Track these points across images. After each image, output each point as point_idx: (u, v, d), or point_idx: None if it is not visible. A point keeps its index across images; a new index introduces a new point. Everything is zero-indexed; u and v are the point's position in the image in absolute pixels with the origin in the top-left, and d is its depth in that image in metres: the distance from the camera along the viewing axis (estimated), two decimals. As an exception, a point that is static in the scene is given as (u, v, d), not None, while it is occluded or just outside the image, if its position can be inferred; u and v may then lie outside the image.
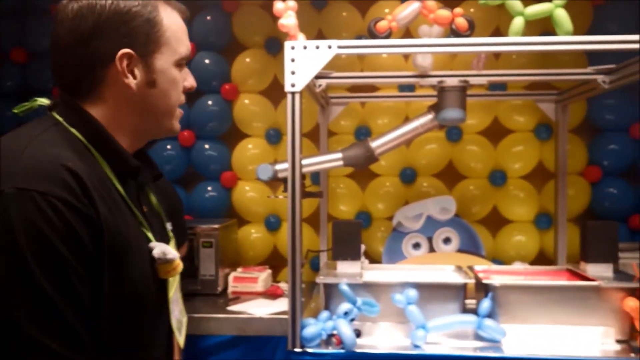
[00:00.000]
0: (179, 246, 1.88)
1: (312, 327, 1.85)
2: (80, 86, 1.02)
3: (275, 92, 2.95)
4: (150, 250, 1.03)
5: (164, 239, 1.12)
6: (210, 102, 2.99)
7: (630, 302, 1.81)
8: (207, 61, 2.98)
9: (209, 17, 2.96)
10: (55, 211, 0.85)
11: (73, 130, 0.99)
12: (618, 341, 1.86)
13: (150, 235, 1.05)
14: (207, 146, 3.01)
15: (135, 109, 1.04)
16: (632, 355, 1.77)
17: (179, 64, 1.08)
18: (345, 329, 1.81)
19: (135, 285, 0.97)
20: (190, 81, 1.13)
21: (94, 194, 0.90)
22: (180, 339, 1.13)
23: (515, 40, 1.82)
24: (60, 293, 0.85)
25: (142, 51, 1.02)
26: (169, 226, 1.20)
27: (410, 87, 2.83)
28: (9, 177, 0.86)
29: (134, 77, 1.02)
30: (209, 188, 3.02)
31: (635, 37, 1.76)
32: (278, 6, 1.89)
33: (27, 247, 0.83)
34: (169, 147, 3.01)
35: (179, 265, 1.08)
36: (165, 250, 1.04)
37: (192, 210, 3.02)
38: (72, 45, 0.99)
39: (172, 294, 1.09)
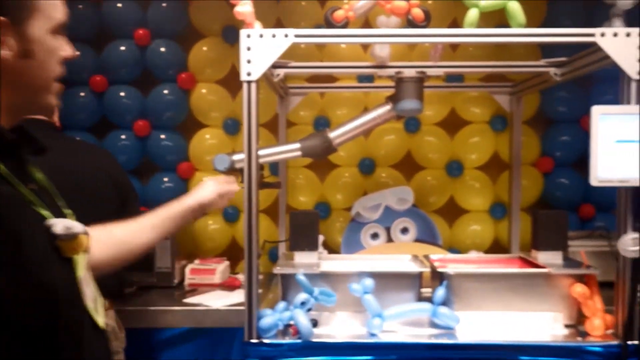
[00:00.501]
0: None
1: (269, 318, 1.84)
2: None
3: (233, 81, 2.91)
4: (48, 228, 0.94)
5: (60, 216, 1.02)
6: (166, 91, 2.93)
7: (578, 288, 1.87)
8: (162, 49, 2.92)
9: (164, 4, 2.90)
10: None
11: None
12: (566, 326, 1.91)
13: (45, 212, 0.96)
14: (163, 136, 2.96)
15: (9, 82, 0.94)
16: (579, 339, 1.83)
17: (55, 31, 1.00)
18: (302, 319, 1.80)
19: (34, 268, 0.89)
20: (68, 50, 1.04)
21: None
22: (99, 319, 1.05)
23: (471, 32, 1.84)
24: None
25: (14, 18, 0.92)
26: (63, 205, 1.10)
27: (369, 78, 2.84)
28: None
29: (8, 48, 0.92)
30: (165, 179, 2.96)
31: (586, 30, 1.80)
32: (234, -7, 1.86)
33: None
34: (123, 137, 2.94)
35: (84, 240, 1.00)
36: (69, 224, 0.96)
37: (147, 201, 2.95)
38: None
39: (82, 272, 1.00)
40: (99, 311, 1.07)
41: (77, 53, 1.06)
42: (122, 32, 2.93)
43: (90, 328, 1.02)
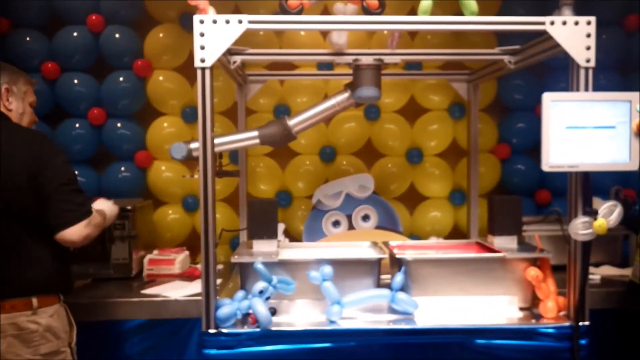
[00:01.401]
0: (61, 225, 1.71)
1: (227, 307, 1.82)
2: None
3: (191, 68, 2.76)
4: None
5: None
6: (121, 79, 2.86)
7: (532, 272, 1.91)
8: (117, 35, 2.85)
9: (118, -10, 2.82)
10: None
11: None
12: (521, 309, 1.96)
13: None
14: (119, 125, 2.89)
15: None
16: (533, 321, 1.88)
17: None
18: (260, 308, 1.80)
19: None
20: None
21: None
22: None
23: (426, 19, 1.85)
24: None
25: None
26: None
27: (329, 66, 2.83)
28: None
29: None
30: (122, 168, 2.90)
31: (537, 18, 1.83)
32: (187, -21, 1.82)
33: None
34: (77, 125, 2.86)
35: None
36: None
37: (103, 191, 2.89)
38: None
39: None
40: None
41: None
42: (74, 18, 2.84)
43: None
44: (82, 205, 1.77)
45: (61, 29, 2.85)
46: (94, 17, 2.82)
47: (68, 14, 2.84)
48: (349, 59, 2.20)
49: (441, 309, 1.94)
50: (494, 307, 1.95)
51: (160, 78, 2.89)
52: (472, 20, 1.86)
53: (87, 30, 2.84)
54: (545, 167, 1.76)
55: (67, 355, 1.82)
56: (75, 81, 2.85)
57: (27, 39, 2.82)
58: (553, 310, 1.90)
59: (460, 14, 1.91)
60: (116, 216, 2.10)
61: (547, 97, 1.75)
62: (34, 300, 1.74)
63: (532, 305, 1.97)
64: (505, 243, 2.08)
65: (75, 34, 2.83)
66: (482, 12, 1.91)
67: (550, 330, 1.85)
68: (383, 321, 1.88)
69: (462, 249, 2.26)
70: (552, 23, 1.80)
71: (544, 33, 1.84)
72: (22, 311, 1.73)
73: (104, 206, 2.00)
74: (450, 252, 2.19)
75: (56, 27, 2.85)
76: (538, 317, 1.91)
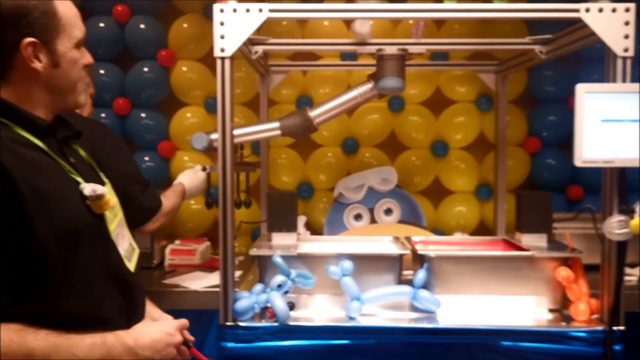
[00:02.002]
0: (152, 213, 1.96)
1: (245, 301, 1.80)
2: None
3: (214, 59, 2.82)
4: (81, 190, 1.20)
5: (99, 183, 1.28)
6: (146, 69, 2.86)
7: (562, 272, 1.83)
8: (142, 26, 2.84)
9: (143, -20, 2.81)
10: None
11: None
12: (550, 310, 1.88)
13: (79, 179, 1.22)
14: (143, 115, 2.89)
15: (44, 87, 1.22)
16: (563, 324, 1.80)
17: (77, 45, 1.25)
18: (278, 302, 1.77)
19: (67, 219, 1.15)
20: (87, 58, 1.29)
21: (4, 157, 1.07)
22: (129, 265, 1.30)
23: (453, 7, 1.79)
24: None
25: (44, 39, 1.18)
26: (102, 175, 1.38)
27: (353, 56, 2.77)
28: None
29: (40, 61, 1.19)
30: (146, 158, 2.90)
31: (571, 5, 1.74)
32: (208, -34, 1.79)
33: None
34: (103, 115, 2.87)
35: (110, 200, 1.26)
36: (94, 187, 1.21)
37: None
38: None
39: (114, 227, 1.28)
40: (132, 260, 1.33)
41: (92, 61, 1.31)
42: (100, 9, 2.85)
43: (124, 267, 1.28)
44: (154, 199, 1.97)
45: (88, 20, 2.85)
46: (119, 8, 2.82)
47: (94, 5, 2.85)
48: (373, 48, 2.15)
49: (465, 308, 1.88)
50: (521, 308, 1.87)
51: (184, 68, 2.87)
52: (502, 8, 1.78)
53: (113, 21, 2.84)
54: (578, 162, 1.68)
55: None
56: (102, 71, 2.86)
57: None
58: (585, 313, 1.81)
59: (489, 1, 1.84)
60: (204, 181, 2.30)
61: (581, 89, 1.67)
62: None
63: (562, 307, 1.89)
64: (534, 241, 2.01)
65: (101, 24, 2.83)
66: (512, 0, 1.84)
67: (581, 334, 1.76)
68: (404, 319, 1.83)
69: (488, 246, 2.19)
70: (587, 10, 1.71)
71: (578, 21, 1.75)
72: None
73: (184, 179, 2.16)
74: (476, 249, 2.13)
75: (83, 18, 2.84)
76: (568, 319, 1.82)
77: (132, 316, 1.28)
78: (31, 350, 1.06)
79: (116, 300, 1.24)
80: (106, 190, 1.24)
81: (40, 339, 1.08)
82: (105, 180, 1.37)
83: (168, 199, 2.05)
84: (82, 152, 1.37)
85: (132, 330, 1.23)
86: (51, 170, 1.18)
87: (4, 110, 1.18)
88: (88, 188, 1.20)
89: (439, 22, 2.78)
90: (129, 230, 1.40)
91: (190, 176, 2.25)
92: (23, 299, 1.10)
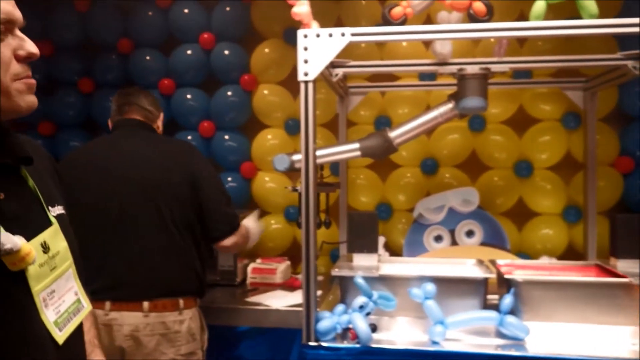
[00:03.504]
0: (221, 236, 1.96)
1: (327, 321, 1.81)
2: None
3: (294, 82, 2.82)
4: None
5: (38, 226, 1.02)
6: (229, 93, 2.97)
7: (661, 300, 1.72)
8: (226, 52, 2.96)
9: (227, 8, 2.94)
10: None
11: None
12: (647, 341, 1.77)
13: None
14: (226, 137, 3.00)
15: None
16: (662, 356, 1.68)
17: None
18: (361, 324, 1.76)
19: None
20: (25, 48, 0.98)
21: None
22: (58, 334, 1.00)
23: (537, 25, 1.74)
24: None
25: None
26: (55, 211, 1.08)
27: (431, 76, 2.76)
28: None
29: None
30: (229, 179, 3.00)
31: (667, 19, 1.66)
32: (291, -6, 1.85)
33: None
34: (189, 137, 3.00)
35: (29, 254, 0.95)
36: (6, 241, 0.91)
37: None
38: None
39: (42, 286, 0.99)
40: (69, 325, 1.04)
41: (36, 52, 0.99)
42: (188, 37, 3.00)
43: (47, 341, 0.99)
44: (234, 217, 2.04)
45: (176, 48, 3.01)
46: (205, 36, 2.95)
47: (183, 34, 3.00)
48: (454, 68, 2.13)
49: (555, 336, 1.80)
50: (615, 339, 1.77)
51: (265, 92, 2.96)
52: (591, 24, 1.72)
53: (200, 48, 2.98)
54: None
55: (200, 357, 1.92)
56: (188, 96, 3.00)
57: (147, 57, 3.02)
58: (687, 345, 1.69)
59: (574, 15, 1.78)
60: (259, 235, 2.34)
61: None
62: (181, 302, 1.88)
63: (661, 338, 1.77)
64: (630, 267, 1.90)
65: (189, 51, 2.98)
66: (601, 14, 1.77)
67: (682, 368, 1.65)
68: (490, 345, 1.77)
69: (580, 271, 2.09)
70: (685, 23, 1.63)
71: (675, 35, 1.66)
72: (171, 311, 1.85)
73: (249, 224, 2.20)
74: (566, 274, 2.04)
75: (172, 46, 3.02)
76: (667, 352, 1.71)
77: None
78: None
79: None
80: (19, 244, 0.93)
81: None
82: (53, 219, 1.06)
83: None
84: (30, 182, 1.05)
85: None
86: None
87: None
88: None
89: (522, 39, 2.72)
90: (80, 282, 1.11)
91: (252, 221, 2.28)
92: None
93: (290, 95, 2.95)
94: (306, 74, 1.79)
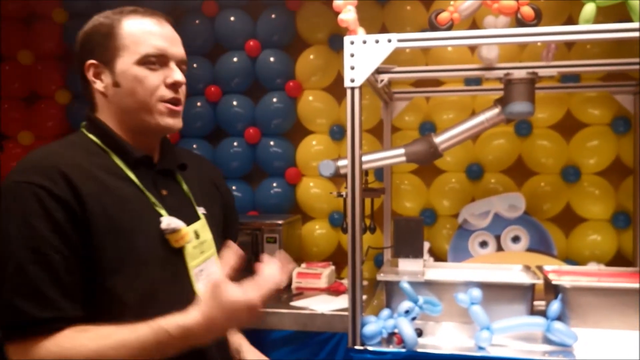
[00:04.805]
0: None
1: (373, 325, 1.83)
2: (88, 99, 1.24)
3: (338, 88, 2.93)
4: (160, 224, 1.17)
5: (191, 219, 1.25)
6: (274, 99, 3.02)
7: None
8: (271, 59, 3.02)
9: (273, 16, 3.00)
10: (35, 195, 1.05)
11: (90, 135, 1.21)
12: (701, 349, 1.72)
13: (162, 211, 1.19)
14: (272, 143, 3.06)
15: (117, 109, 1.20)
16: None
17: (144, 62, 1.18)
18: (407, 328, 1.78)
19: (138, 251, 1.13)
20: (171, 77, 1.20)
21: (79, 184, 1.08)
22: None
23: (585, 29, 1.73)
24: (33, 262, 1.03)
25: (104, 59, 1.19)
26: (200, 210, 1.32)
27: (477, 81, 2.75)
28: (14, 172, 1.11)
29: (102, 82, 1.19)
30: (274, 184, 3.06)
31: None
32: (337, 2, 1.88)
33: (8, 223, 1.05)
34: (235, 144, 3.07)
35: (187, 235, 1.20)
36: (171, 221, 1.17)
37: (257, 206, 3.07)
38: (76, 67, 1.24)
39: (195, 263, 1.22)
40: None
41: (180, 80, 1.21)
42: (234, 44, 3.07)
43: None
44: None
45: (222, 55, 3.09)
46: (251, 43, 3.02)
47: (229, 41, 3.08)
48: (500, 73, 2.13)
49: (603, 342, 1.78)
50: (666, 345, 1.74)
51: (310, 98, 3.01)
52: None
53: (245, 55, 3.05)
54: None
55: None
56: (234, 103, 3.07)
57: (194, 65, 3.10)
58: None
59: (624, 18, 1.76)
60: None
61: None
62: None
63: None
64: (680, 273, 1.86)
65: (235, 59, 3.05)
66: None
67: None
68: (537, 351, 1.76)
69: (628, 278, 2.05)
70: None
71: None
72: None
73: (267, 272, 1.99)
74: (614, 280, 2.00)
75: (218, 53, 3.10)
76: None
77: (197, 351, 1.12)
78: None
79: None
80: (182, 224, 1.19)
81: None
82: (201, 215, 1.31)
83: None
84: (184, 186, 1.32)
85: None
86: (135, 203, 1.16)
87: (105, 137, 1.20)
88: (165, 221, 1.17)
89: (570, 43, 2.68)
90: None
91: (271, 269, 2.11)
92: (93, 323, 1.06)
93: (335, 101, 2.99)
94: (352, 81, 1.82)
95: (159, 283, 1.15)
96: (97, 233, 1.08)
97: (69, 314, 1.05)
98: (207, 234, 1.29)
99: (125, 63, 1.18)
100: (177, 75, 1.21)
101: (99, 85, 1.20)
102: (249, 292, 1.07)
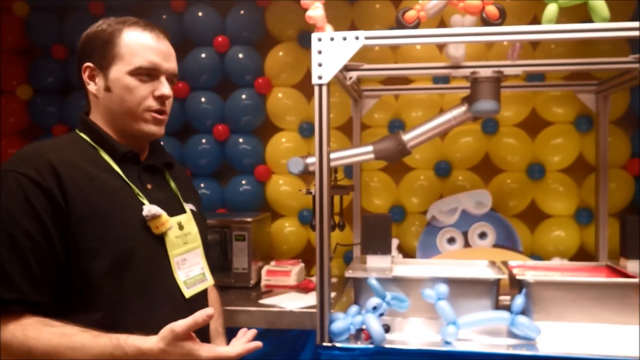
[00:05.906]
0: None
1: (341, 322, 1.84)
2: (85, 99, 1.34)
3: (308, 85, 2.87)
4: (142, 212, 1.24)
5: (176, 211, 1.33)
6: (244, 96, 3.01)
7: (673, 301, 1.73)
8: (240, 55, 3.00)
9: (242, 12, 2.98)
10: (18, 183, 1.13)
11: (82, 134, 1.31)
12: (660, 341, 1.78)
13: (145, 202, 1.26)
14: (241, 140, 3.03)
15: (106, 111, 1.29)
16: (675, 356, 1.69)
17: (136, 74, 1.26)
18: (374, 324, 1.79)
19: (121, 237, 1.19)
20: (160, 90, 1.29)
21: (63, 173, 1.16)
22: (186, 291, 1.29)
23: (549, 28, 1.76)
24: (5, 246, 1.10)
25: (100, 64, 1.27)
26: (188, 206, 1.40)
27: (445, 79, 2.78)
28: (6, 163, 1.19)
29: (95, 84, 1.28)
30: (243, 182, 3.04)
31: (679, 22, 1.67)
32: (306, -1, 1.88)
33: None
34: (203, 141, 3.04)
35: (167, 222, 1.27)
36: (152, 208, 1.24)
37: (226, 204, 3.05)
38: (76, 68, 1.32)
39: (177, 252, 1.29)
40: (193, 288, 1.31)
41: (167, 93, 1.31)
42: (202, 40, 3.03)
43: (177, 293, 1.27)
44: None
45: (191, 51, 3.05)
46: (220, 39, 2.99)
47: (197, 37, 3.04)
48: (467, 71, 2.15)
49: (566, 336, 1.82)
50: (626, 338, 1.78)
51: (279, 95, 3.00)
52: (602, 27, 1.73)
53: (214, 51, 3.02)
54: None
55: None
56: (203, 99, 3.04)
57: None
58: (697, 345, 1.70)
59: (587, 19, 1.80)
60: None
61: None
62: None
63: (673, 338, 1.78)
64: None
65: (203, 55, 3.02)
66: (613, 17, 1.79)
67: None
68: (502, 345, 1.79)
69: (591, 272, 2.11)
70: (697, 27, 1.64)
71: (687, 38, 1.68)
72: None
73: None
74: (577, 275, 2.05)
75: (187, 49, 3.06)
76: (680, 351, 1.72)
77: None
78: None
79: (161, 321, 1.11)
80: (162, 212, 1.25)
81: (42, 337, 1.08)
82: (188, 210, 1.38)
83: None
84: (171, 183, 1.40)
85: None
86: (118, 192, 1.23)
87: (94, 135, 1.29)
88: (146, 209, 1.23)
89: (535, 43, 2.73)
90: (207, 262, 1.40)
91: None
92: (66, 307, 1.14)
93: (304, 99, 2.98)
94: (320, 77, 1.82)
95: (139, 268, 1.20)
96: (77, 219, 1.14)
97: (32, 297, 1.11)
98: (192, 227, 1.36)
99: (119, 71, 1.26)
100: (165, 89, 1.30)
101: (92, 87, 1.28)
102: (208, 351, 1.10)
